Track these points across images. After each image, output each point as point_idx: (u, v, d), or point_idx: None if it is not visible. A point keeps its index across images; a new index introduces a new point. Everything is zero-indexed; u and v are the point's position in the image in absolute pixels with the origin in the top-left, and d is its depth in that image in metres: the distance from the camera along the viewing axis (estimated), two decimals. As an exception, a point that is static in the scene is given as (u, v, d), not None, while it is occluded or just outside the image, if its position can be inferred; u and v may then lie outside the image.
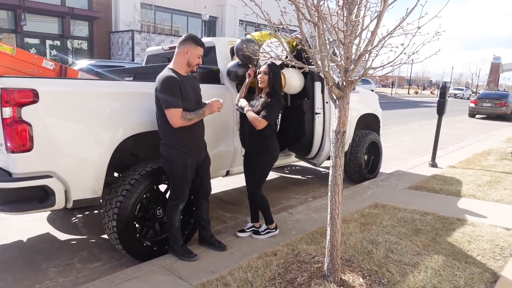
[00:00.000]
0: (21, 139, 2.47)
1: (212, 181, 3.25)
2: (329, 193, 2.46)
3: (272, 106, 3.18)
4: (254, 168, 3.30)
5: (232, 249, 3.13)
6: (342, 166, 2.40)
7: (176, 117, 2.69)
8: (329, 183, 2.44)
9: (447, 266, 2.82)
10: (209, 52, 4.06)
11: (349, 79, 2.23)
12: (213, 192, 3.32)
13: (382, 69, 2.09)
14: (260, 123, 3.13)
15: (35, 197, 2.61)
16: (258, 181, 3.32)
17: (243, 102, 3.27)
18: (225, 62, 3.84)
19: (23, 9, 15.56)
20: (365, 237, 3.30)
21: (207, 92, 3.36)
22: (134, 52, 17.74)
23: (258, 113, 3.17)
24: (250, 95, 3.46)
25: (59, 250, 3.37)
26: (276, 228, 3.44)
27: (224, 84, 3.78)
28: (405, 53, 2.20)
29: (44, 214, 4.14)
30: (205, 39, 4.22)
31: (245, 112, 3.21)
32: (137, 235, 3.00)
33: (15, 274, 2.95)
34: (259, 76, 3.26)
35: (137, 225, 3.03)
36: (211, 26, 23.84)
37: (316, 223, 3.72)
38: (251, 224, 3.45)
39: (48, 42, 17.67)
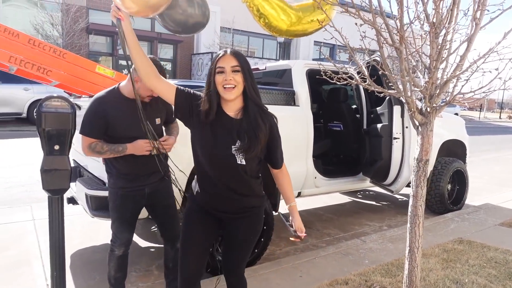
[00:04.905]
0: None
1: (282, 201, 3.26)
2: (408, 224, 2.32)
3: (277, 130, 1.87)
4: (246, 240, 1.99)
5: (301, 272, 3.08)
6: (424, 196, 2.26)
7: None
8: (409, 213, 2.30)
9: (549, 320, 2.45)
10: (284, 73, 4.18)
11: (434, 105, 2.11)
12: (283, 212, 3.32)
13: (473, 95, 1.94)
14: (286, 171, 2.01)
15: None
16: (248, 256, 2.09)
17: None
18: (300, 85, 3.89)
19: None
20: (447, 275, 3.02)
21: (281, 113, 3.43)
22: (212, 73, 18.78)
23: (251, 158, 1.79)
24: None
25: (139, 256, 3.63)
26: None
27: (299, 106, 3.82)
28: (499, 78, 2.04)
29: (128, 221, 4.50)
30: (281, 62, 4.38)
31: None
32: (210, 249, 3.11)
33: (102, 274, 3.23)
34: (221, 77, 1.72)
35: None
36: (285, 48, 24.31)
37: (391, 254, 3.51)
38: None
39: (139, 64, 19.59)
